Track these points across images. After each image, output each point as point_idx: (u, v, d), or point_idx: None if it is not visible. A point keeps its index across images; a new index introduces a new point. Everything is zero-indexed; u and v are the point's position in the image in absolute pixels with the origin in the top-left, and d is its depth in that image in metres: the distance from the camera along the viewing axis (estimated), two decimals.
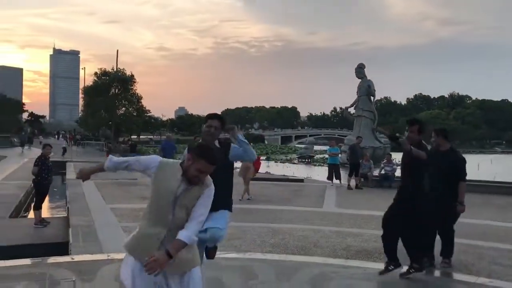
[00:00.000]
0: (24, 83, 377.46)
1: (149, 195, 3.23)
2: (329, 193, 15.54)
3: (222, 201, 4.17)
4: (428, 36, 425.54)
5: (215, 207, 3.86)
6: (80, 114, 61.59)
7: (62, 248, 7.64)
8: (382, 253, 6.26)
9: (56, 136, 72.08)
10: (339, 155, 20.10)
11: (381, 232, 6.05)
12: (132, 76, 47.70)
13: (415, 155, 5.59)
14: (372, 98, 36.22)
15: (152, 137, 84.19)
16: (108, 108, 46.51)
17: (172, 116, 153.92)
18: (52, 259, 6.66)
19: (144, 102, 50.44)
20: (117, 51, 45.55)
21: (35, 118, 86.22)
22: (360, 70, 35.95)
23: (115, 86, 47.49)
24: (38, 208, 10.08)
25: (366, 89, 35.36)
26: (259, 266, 6.38)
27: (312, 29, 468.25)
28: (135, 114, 48.93)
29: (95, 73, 47.96)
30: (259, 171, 14.54)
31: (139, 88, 55.46)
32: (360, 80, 35.78)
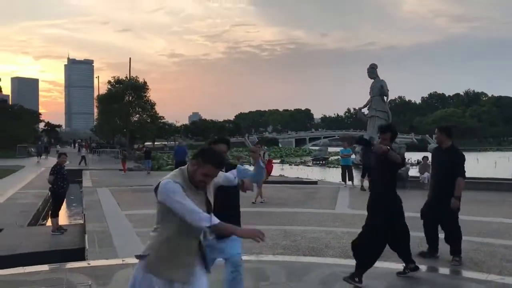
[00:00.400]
0: (40, 93, 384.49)
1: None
2: (342, 195, 15.58)
3: (233, 223, 4.17)
4: (440, 33, 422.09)
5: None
6: (95, 123, 62.41)
7: (78, 254, 7.83)
8: (392, 253, 6.32)
9: (72, 145, 73.10)
10: (352, 156, 20.13)
11: None
12: (145, 83, 48.26)
13: (391, 158, 5.45)
14: (385, 98, 36.12)
15: (166, 143, 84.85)
16: (122, 115, 47.08)
17: (186, 121, 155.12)
18: (69, 265, 6.84)
19: (158, 108, 51.13)
20: (130, 59, 46.07)
21: (51, 128, 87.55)
22: (372, 71, 35.85)
23: (128, 93, 48.07)
24: (55, 216, 10.31)
25: (379, 89, 35.24)
26: (270, 267, 6.48)
27: (324, 30, 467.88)
28: (148, 120, 49.44)
29: (109, 81, 48.71)
30: (271, 174, 14.62)
31: (153, 95, 56.20)
32: (372, 80, 35.71)
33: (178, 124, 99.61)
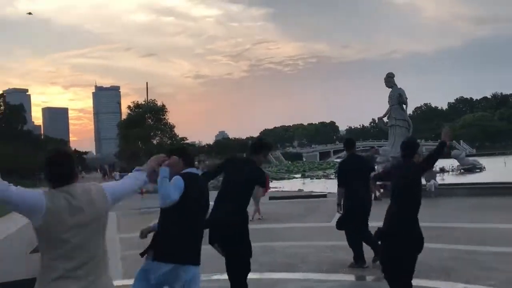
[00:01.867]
0: (70, 121, 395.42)
1: None
2: None
3: (189, 252, 3.80)
4: (464, 36, 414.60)
5: (183, 259, 3.70)
6: (117, 148, 64.00)
7: None
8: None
9: (99, 170, 74.65)
10: None
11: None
12: (163, 106, 49.17)
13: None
14: (404, 106, 35.85)
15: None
16: (142, 139, 47.96)
17: (213, 141, 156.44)
18: None
19: (186, 129, 52.33)
20: (147, 83, 47.35)
21: (78, 155, 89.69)
22: (389, 79, 35.51)
23: (148, 117, 49.02)
24: None
25: (397, 98, 34.84)
26: None
27: (345, 42, 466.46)
28: (168, 142, 50.21)
29: (128, 106, 49.78)
30: (269, 190, 14.67)
31: (181, 116, 57.18)
32: (390, 89, 35.57)
33: (202, 144, 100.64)
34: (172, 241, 3.77)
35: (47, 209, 2.52)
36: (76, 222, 2.58)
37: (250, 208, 13.82)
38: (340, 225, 7.53)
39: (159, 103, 49.25)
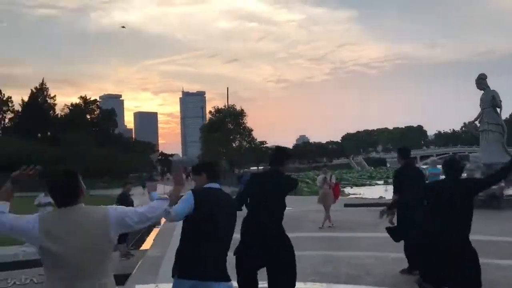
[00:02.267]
0: (159, 125, 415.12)
1: None
2: None
3: (208, 267, 3.77)
4: None
5: (202, 275, 3.66)
6: (200, 151, 66.13)
7: (122, 279, 8.22)
8: None
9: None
10: (441, 176, 18.76)
11: None
12: (242, 110, 49.98)
13: None
14: (498, 110, 33.44)
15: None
16: (222, 142, 49.06)
17: (293, 145, 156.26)
18: None
19: (267, 133, 52.86)
20: (227, 89, 48.25)
21: (165, 157, 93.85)
22: (481, 81, 33.23)
23: (227, 121, 50.08)
24: (121, 241, 10.99)
25: (490, 100, 32.51)
26: None
27: (434, 42, 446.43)
28: (247, 146, 50.90)
29: (210, 111, 51.16)
30: (339, 197, 14.18)
31: (262, 120, 58.09)
32: (482, 91, 33.37)
33: None
34: (189, 257, 3.77)
35: (41, 233, 2.52)
36: (73, 244, 2.54)
37: (320, 215, 13.53)
38: (396, 236, 7.15)
39: (242, 107, 50.20)
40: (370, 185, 54.56)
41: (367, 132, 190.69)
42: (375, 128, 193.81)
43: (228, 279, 3.82)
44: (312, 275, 7.53)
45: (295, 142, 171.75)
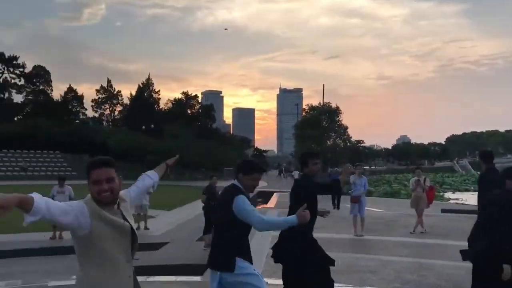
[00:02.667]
0: (256, 121, 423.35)
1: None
2: None
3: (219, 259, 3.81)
4: None
5: (217, 266, 3.73)
6: (293, 148, 66.13)
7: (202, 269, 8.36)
8: None
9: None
10: None
11: None
12: (337, 108, 49.02)
13: None
14: None
15: (367, 167, 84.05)
16: (316, 139, 48.57)
17: (393, 145, 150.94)
18: (185, 278, 7.42)
19: (365, 131, 51.83)
20: (323, 85, 47.52)
21: (259, 153, 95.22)
22: None
23: (323, 119, 49.46)
24: (207, 232, 11.22)
25: None
26: None
27: None
28: (342, 145, 49.89)
29: (303, 109, 50.91)
30: (433, 201, 13.24)
31: (360, 118, 56.98)
32: None
33: (379, 148, 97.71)
34: (213, 249, 3.93)
35: (92, 217, 2.45)
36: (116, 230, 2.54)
37: (412, 220, 12.74)
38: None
39: (338, 105, 49.36)
40: (474, 190, 50.88)
41: (474, 134, 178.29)
42: (484, 130, 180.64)
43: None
44: (395, 282, 7.09)
45: (394, 142, 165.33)
